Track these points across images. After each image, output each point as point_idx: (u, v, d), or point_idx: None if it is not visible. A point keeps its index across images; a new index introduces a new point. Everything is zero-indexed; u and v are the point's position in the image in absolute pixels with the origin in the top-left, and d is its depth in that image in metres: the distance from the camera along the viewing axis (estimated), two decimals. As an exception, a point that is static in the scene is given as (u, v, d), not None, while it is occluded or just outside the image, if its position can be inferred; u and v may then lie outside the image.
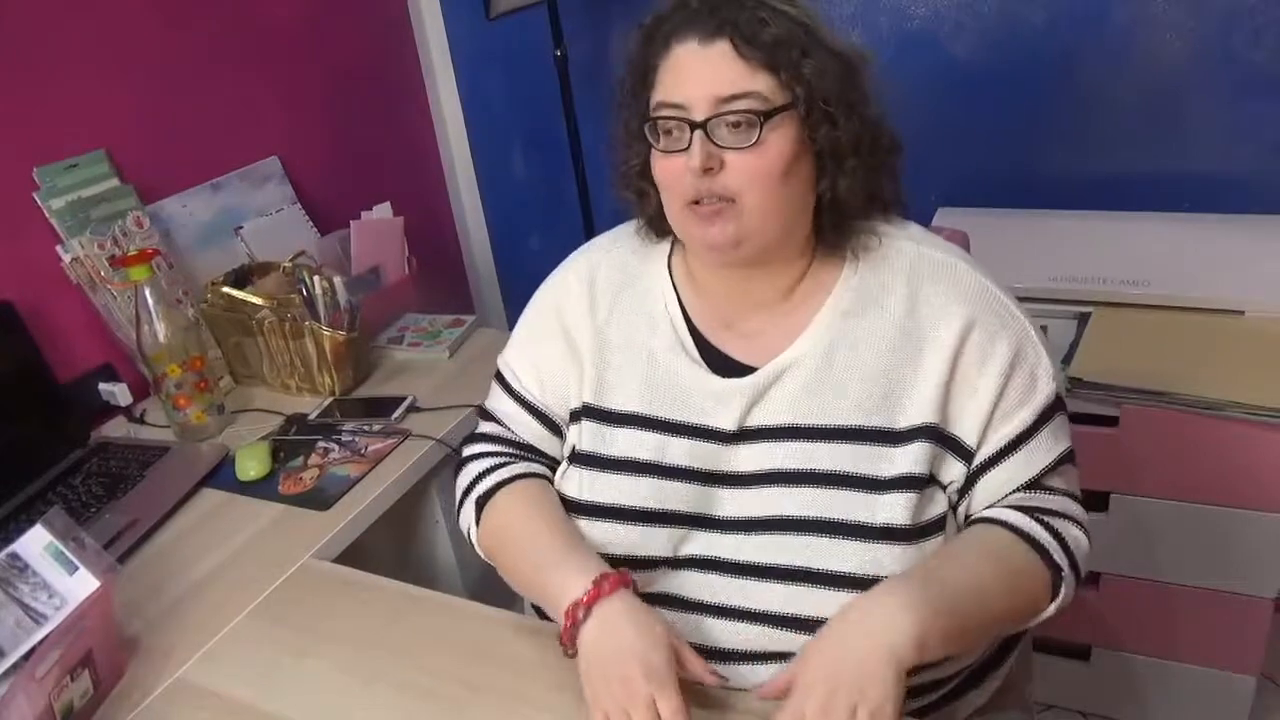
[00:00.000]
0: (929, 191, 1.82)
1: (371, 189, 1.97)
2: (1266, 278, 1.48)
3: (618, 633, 0.83)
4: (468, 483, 1.03)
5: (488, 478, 1.01)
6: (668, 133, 0.86)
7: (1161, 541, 1.45)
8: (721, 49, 0.83)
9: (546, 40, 1.86)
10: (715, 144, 0.84)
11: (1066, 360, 1.43)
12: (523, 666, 0.95)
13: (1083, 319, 1.52)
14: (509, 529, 0.98)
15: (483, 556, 1.02)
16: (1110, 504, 1.44)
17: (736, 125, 0.83)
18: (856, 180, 0.88)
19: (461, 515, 1.04)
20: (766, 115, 0.83)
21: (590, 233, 1.87)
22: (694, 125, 0.84)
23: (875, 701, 0.73)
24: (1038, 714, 1.65)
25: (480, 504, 1.00)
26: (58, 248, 1.52)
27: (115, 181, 1.60)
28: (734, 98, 0.83)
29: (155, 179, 1.67)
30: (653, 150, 0.89)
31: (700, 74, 0.84)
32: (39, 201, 1.50)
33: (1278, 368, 1.34)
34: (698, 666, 0.83)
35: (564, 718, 0.88)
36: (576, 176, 1.97)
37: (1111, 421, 1.40)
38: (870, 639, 0.76)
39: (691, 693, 0.84)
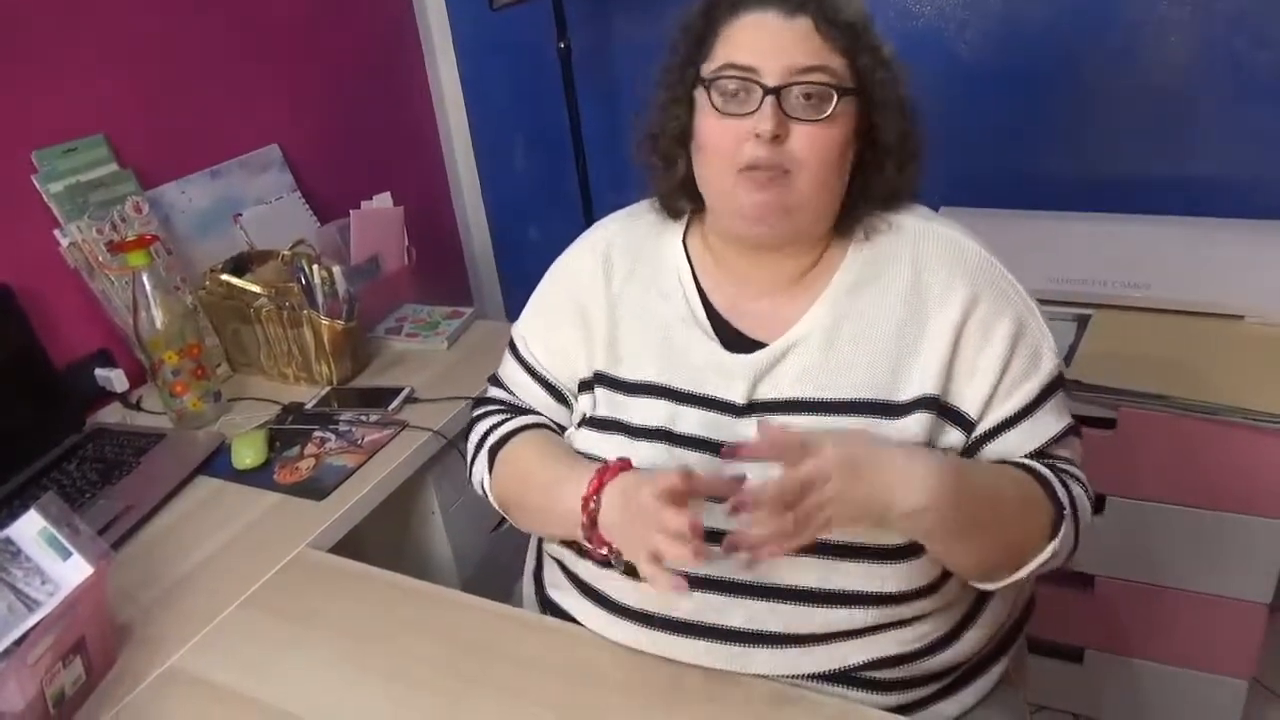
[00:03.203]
0: (930, 191, 1.80)
1: (371, 178, 1.96)
2: (1267, 282, 1.48)
3: (625, 493, 0.85)
4: (479, 438, 1.06)
5: (499, 429, 1.04)
6: (732, 94, 0.86)
7: (1157, 544, 1.45)
8: (803, 24, 0.85)
9: (550, 32, 1.86)
10: (784, 113, 0.84)
11: (1066, 362, 1.43)
12: (517, 659, 0.95)
13: (1082, 321, 1.52)
14: (522, 467, 1.00)
15: (496, 507, 1.05)
16: (1106, 506, 1.44)
17: (809, 97, 0.84)
18: (885, 178, 0.91)
19: (475, 470, 1.06)
20: (843, 91, 0.85)
21: (590, 225, 1.87)
22: (767, 90, 0.84)
23: (835, 502, 0.76)
24: (1030, 715, 1.65)
25: (493, 452, 1.03)
26: (55, 232, 1.51)
27: (114, 166, 1.59)
28: (810, 69, 0.84)
29: (155, 164, 1.66)
30: (701, 114, 0.89)
31: (777, 43, 0.85)
32: (37, 185, 1.50)
33: (1276, 373, 1.34)
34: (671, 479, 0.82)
35: (557, 710, 0.88)
36: (577, 169, 1.96)
37: (1109, 424, 1.40)
38: (886, 472, 0.78)
39: (704, 675, 0.88)
